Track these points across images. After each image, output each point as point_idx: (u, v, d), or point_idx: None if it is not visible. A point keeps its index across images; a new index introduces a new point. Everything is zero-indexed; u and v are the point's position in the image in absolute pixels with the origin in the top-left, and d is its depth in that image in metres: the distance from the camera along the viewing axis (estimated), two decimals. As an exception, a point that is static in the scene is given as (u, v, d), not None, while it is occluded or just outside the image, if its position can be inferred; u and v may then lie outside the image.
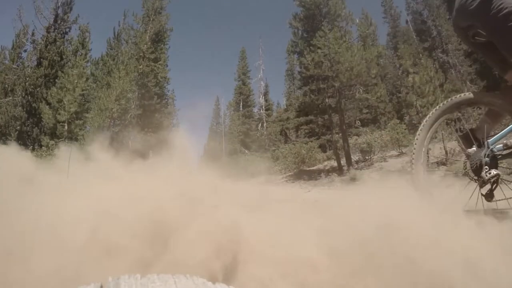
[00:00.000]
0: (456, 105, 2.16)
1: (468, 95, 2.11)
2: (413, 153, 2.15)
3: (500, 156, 1.88)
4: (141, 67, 19.77)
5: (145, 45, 20.31)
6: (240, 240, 1.22)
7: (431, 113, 2.20)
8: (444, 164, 11.11)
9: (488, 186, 1.81)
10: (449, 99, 2.17)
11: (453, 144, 13.18)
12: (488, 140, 1.92)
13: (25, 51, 20.26)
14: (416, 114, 14.57)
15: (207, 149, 35.83)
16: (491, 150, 1.88)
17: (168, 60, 22.02)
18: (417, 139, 2.17)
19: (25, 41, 20.10)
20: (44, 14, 20.01)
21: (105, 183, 1.59)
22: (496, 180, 1.78)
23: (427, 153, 2.17)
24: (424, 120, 2.21)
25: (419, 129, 2.20)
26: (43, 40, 19.86)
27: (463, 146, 2.09)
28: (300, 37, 19.97)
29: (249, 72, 35.56)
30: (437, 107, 2.21)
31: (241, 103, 34.23)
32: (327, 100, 17.41)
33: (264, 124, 32.14)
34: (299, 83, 22.02)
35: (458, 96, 2.15)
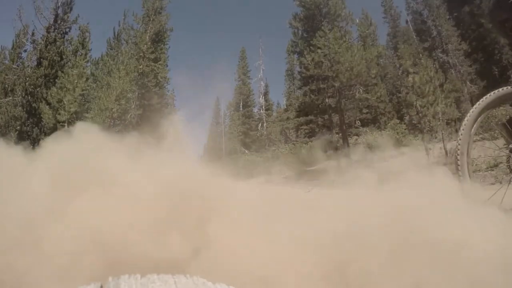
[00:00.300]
0: (499, 99, 2.15)
1: (510, 88, 2.10)
2: (458, 148, 2.15)
3: None
4: (141, 67, 19.77)
5: (145, 45, 20.30)
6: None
7: (474, 107, 2.19)
8: (444, 164, 11.10)
9: None
10: (492, 93, 2.16)
11: (454, 144, 13.16)
12: None
13: (25, 51, 20.25)
14: (416, 114, 14.56)
15: (207, 148, 35.86)
16: None
17: (168, 60, 22.03)
18: (461, 134, 2.17)
19: (25, 41, 20.10)
20: (44, 14, 20.00)
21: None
22: None
23: (471, 147, 2.18)
24: (468, 115, 2.20)
25: (463, 123, 2.20)
26: (43, 40, 19.84)
27: (507, 141, 2.08)
28: (300, 37, 19.97)
29: (249, 72, 35.54)
30: (480, 101, 2.20)
31: (241, 103, 34.22)
32: (327, 100, 17.42)
33: (264, 124, 32.13)
34: (299, 83, 22.03)
35: (500, 89, 2.14)
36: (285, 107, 31.00)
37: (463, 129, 2.17)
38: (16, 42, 19.87)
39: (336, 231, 1.21)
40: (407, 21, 24.00)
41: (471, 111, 2.19)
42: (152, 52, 20.64)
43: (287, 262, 1.09)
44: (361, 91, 17.55)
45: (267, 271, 1.06)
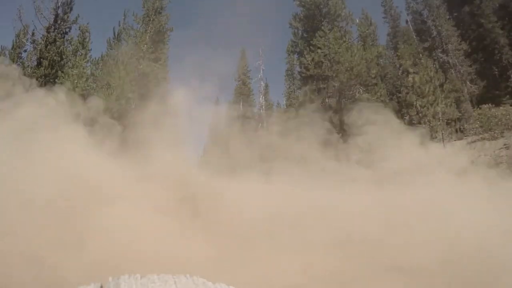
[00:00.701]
0: None
1: None
2: None
3: None
4: (141, 67, 19.77)
5: (145, 45, 20.30)
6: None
7: None
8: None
9: None
10: None
11: (453, 144, 13.16)
12: None
13: (25, 51, 20.24)
14: (416, 114, 14.56)
15: (207, 148, 35.79)
16: None
17: (168, 60, 22.03)
18: None
19: (25, 41, 20.09)
20: (44, 14, 20.01)
21: None
22: None
23: None
24: None
25: None
26: (43, 40, 19.84)
27: None
28: (300, 37, 19.98)
29: (249, 72, 35.52)
30: None
31: (241, 103, 34.21)
32: (327, 100, 17.42)
33: (264, 124, 32.12)
34: (299, 83, 22.03)
35: None
36: (285, 107, 30.96)
37: None
38: (16, 42, 19.86)
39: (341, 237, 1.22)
40: (407, 21, 24.00)
41: None
42: (152, 52, 20.64)
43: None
44: (361, 91, 17.54)
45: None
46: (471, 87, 18.77)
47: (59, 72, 18.69)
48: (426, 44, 21.25)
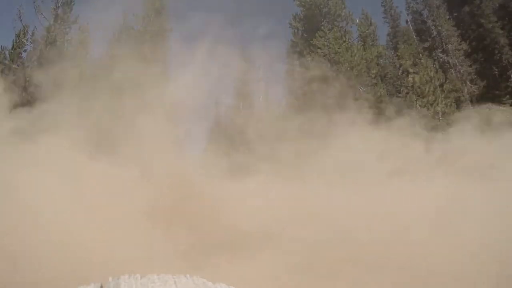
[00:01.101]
0: None
1: None
2: None
3: None
4: (141, 67, 19.78)
5: (145, 45, 20.32)
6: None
7: None
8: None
9: None
10: None
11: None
12: None
13: (25, 51, 20.26)
14: (416, 114, 14.57)
15: (207, 149, 35.73)
16: None
17: (168, 60, 22.01)
18: None
19: (25, 41, 20.11)
20: (44, 14, 20.03)
21: None
22: None
23: None
24: None
25: None
26: (43, 40, 19.86)
27: None
28: (300, 37, 19.99)
29: (249, 72, 35.45)
30: None
31: (241, 104, 34.18)
32: (327, 100, 17.42)
33: (264, 124, 32.08)
34: (299, 83, 22.02)
35: None
36: (285, 107, 30.93)
37: None
38: (16, 42, 19.87)
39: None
40: (407, 21, 23.98)
41: None
42: (152, 52, 20.65)
43: None
44: (361, 91, 17.54)
45: None
46: (471, 87, 18.76)
47: (59, 72, 18.68)
48: (426, 44, 21.24)
